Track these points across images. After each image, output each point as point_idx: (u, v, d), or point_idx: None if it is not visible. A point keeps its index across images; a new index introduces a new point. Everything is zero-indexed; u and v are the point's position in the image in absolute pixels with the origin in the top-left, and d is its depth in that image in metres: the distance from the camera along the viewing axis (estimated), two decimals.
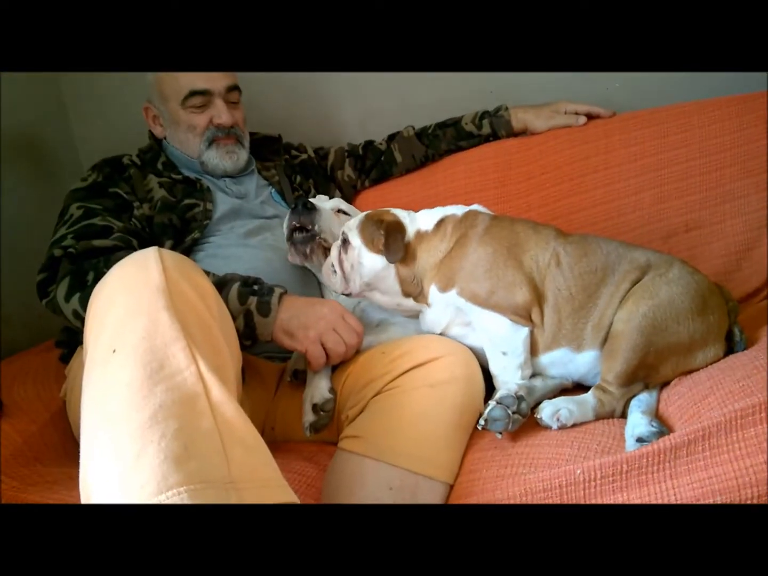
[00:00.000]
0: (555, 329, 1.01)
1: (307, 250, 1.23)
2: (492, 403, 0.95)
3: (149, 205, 1.28)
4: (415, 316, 1.17)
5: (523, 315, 1.01)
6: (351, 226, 1.15)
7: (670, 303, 0.94)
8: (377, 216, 1.13)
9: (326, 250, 1.22)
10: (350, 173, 1.59)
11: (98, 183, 1.28)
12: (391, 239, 1.07)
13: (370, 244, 1.10)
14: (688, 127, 1.43)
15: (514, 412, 0.93)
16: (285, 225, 1.26)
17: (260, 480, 0.67)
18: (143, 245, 1.21)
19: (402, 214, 1.14)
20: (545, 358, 1.03)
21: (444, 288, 1.05)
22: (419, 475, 0.88)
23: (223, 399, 0.69)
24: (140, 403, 0.65)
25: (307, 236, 1.23)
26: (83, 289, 1.08)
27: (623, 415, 0.95)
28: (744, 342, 0.98)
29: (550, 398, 0.99)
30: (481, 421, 0.94)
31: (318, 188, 1.55)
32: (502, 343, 1.01)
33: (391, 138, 1.60)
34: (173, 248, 1.24)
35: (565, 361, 1.03)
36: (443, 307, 1.07)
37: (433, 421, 0.92)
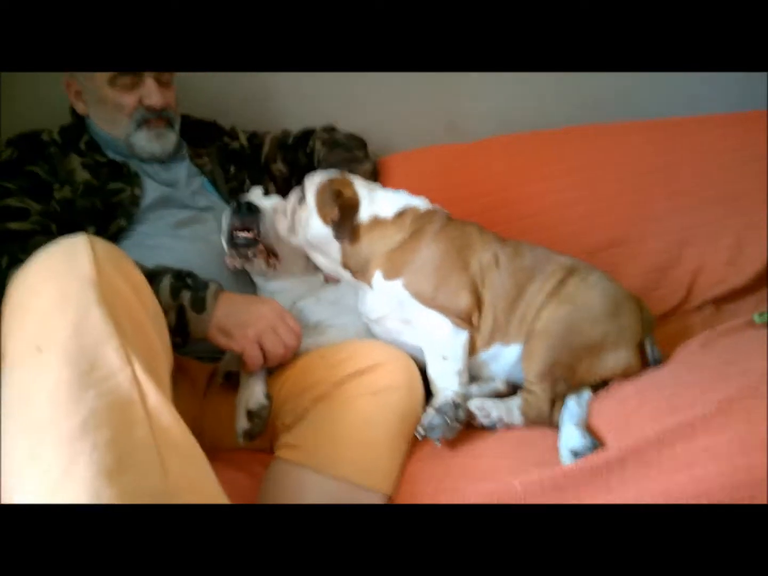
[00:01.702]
0: (491, 326, 1.03)
1: (249, 255, 1.17)
2: (430, 410, 0.95)
3: (71, 188, 1.18)
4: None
5: (464, 318, 1.02)
6: (311, 184, 1.13)
7: (586, 306, 1.00)
8: (338, 185, 1.11)
9: (269, 254, 1.18)
10: (282, 168, 1.53)
11: (13, 160, 1.17)
12: (342, 220, 1.07)
13: (321, 211, 1.10)
14: (619, 146, 1.49)
15: (452, 420, 0.94)
16: (224, 225, 1.20)
17: (199, 493, 0.63)
18: (63, 231, 1.12)
19: (363, 191, 1.12)
20: (483, 356, 1.05)
21: (390, 276, 1.05)
22: (360, 487, 0.86)
23: (160, 405, 0.64)
24: (69, 409, 0.60)
25: (249, 240, 1.17)
26: None
27: (551, 423, 0.98)
28: (658, 355, 1.03)
29: None
30: (420, 430, 0.94)
31: (252, 180, 1.48)
32: (443, 346, 1.02)
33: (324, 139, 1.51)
34: (97, 235, 1.15)
35: (498, 356, 1.05)
36: (385, 296, 1.06)
37: (375, 429, 0.91)
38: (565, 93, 1.67)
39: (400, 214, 1.10)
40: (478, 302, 1.02)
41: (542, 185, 1.47)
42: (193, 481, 0.64)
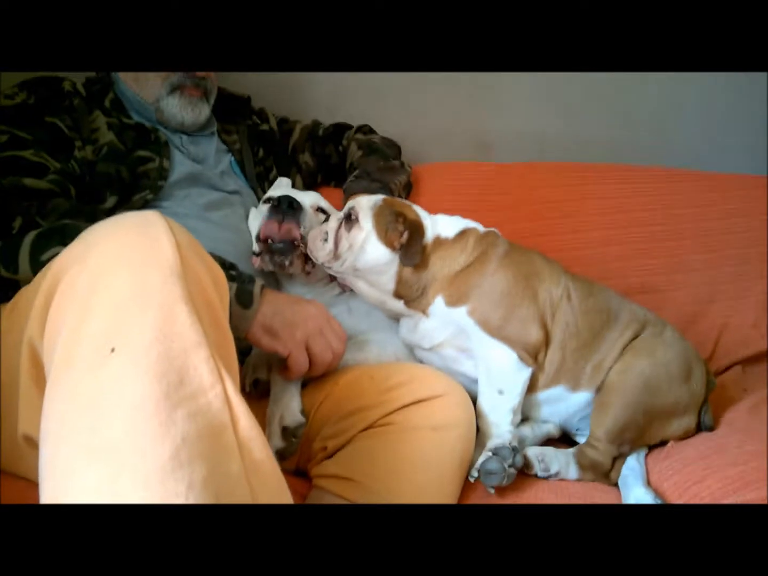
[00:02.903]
0: (558, 366, 0.96)
1: (286, 262, 1.06)
2: (487, 453, 0.87)
3: (93, 147, 1.03)
4: (395, 318, 1.06)
5: (531, 354, 0.94)
6: (364, 206, 1.01)
7: (665, 365, 0.95)
8: (398, 207, 1.01)
9: (306, 260, 1.07)
10: (309, 160, 1.41)
11: (29, 106, 1.02)
12: (413, 242, 0.96)
13: (382, 234, 0.98)
14: (656, 192, 1.47)
15: (509, 466, 0.86)
16: (259, 222, 1.08)
17: None
18: (81, 197, 0.98)
19: (422, 213, 1.03)
20: (542, 395, 0.98)
21: (453, 302, 0.96)
22: None
23: (251, 432, 0.53)
24: (157, 435, 0.48)
25: (288, 246, 1.05)
26: (6, 236, 0.84)
27: (609, 480, 0.92)
28: (710, 422, 1.00)
29: None
30: (474, 473, 0.87)
31: (279, 168, 1.37)
32: (502, 380, 0.94)
33: (360, 142, 1.39)
34: (117, 206, 1.01)
35: (559, 399, 0.98)
36: (444, 323, 0.98)
37: (434, 469, 0.82)
38: (601, 127, 1.65)
39: (461, 235, 1.02)
40: (546, 337, 0.95)
41: (581, 219, 1.43)
42: None
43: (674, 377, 0.94)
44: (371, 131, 1.44)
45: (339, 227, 1.01)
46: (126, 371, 0.50)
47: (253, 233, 1.13)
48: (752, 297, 1.40)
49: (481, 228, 1.05)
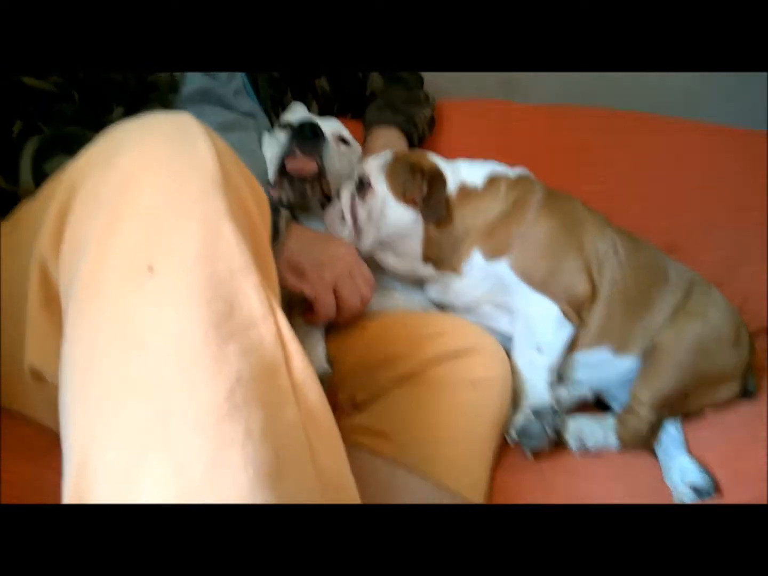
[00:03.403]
0: (603, 325, 0.90)
1: (307, 190, 0.95)
2: (527, 412, 0.81)
3: None
4: (417, 283, 0.99)
5: (575, 309, 0.88)
6: (374, 168, 0.91)
7: (718, 327, 0.90)
8: (412, 160, 0.91)
9: (324, 193, 0.97)
10: (325, 85, 1.29)
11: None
12: (435, 193, 0.87)
13: (399, 193, 0.89)
14: (688, 146, 1.40)
15: (551, 429, 0.81)
16: (276, 150, 0.98)
17: (344, 491, 0.47)
18: (84, 105, 0.87)
19: (439, 161, 0.93)
20: (581, 357, 0.91)
21: (492, 254, 0.88)
22: (456, 495, 0.71)
23: (306, 373, 0.46)
24: (209, 370, 0.40)
25: (310, 173, 0.94)
26: (3, 141, 0.73)
27: (647, 448, 0.88)
28: (754, 387, 0.96)
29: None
30: (513, 434, 0.81)
31: (294, 92, 1.25)
32: (542, 336, 0.87)
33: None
34: (123, 118, 0.90)
35: (603, 363, 0.92)
36: (481, 278, 0.90)
37: (472, 427, 0.76)
38: (631, 76, 1.55)
39: (491, 182, 0.93)
40: (593, 292, 0.89)
41: (608, 170, 1.35)
42: (341, 476, 0.47)
43: (725, 340, 0.89)
44: None
45: (353, 200, 0.91)
46: (169, 293, 0.42)
47: (269, 161, 1.02)
48: None
49: (510, 171, 0.97)
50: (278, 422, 0.42)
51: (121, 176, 0.47)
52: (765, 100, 1.56)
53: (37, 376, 0.58)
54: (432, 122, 1.28)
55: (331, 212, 0.93)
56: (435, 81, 1.40)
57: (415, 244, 0.90)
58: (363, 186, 0.90)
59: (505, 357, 0.84)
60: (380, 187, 0.89)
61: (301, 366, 0.46)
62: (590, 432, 0.84)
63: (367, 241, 0.90)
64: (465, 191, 0.91)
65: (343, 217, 0.91)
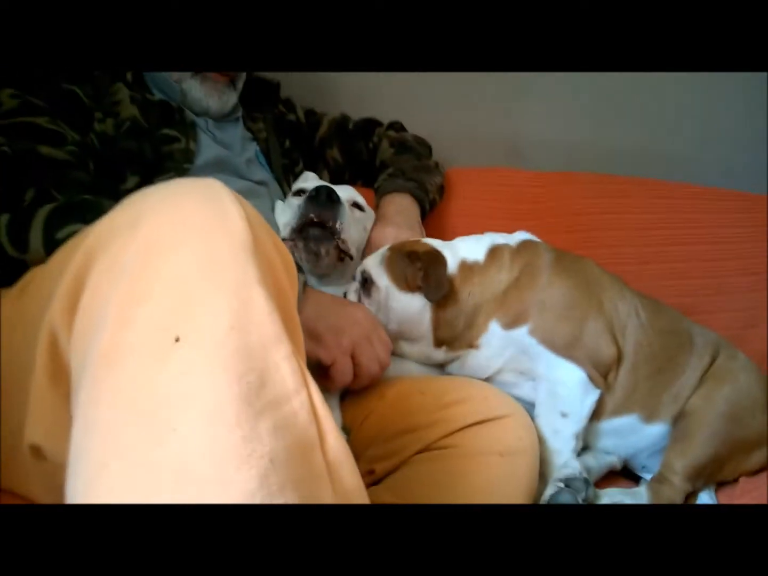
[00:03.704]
0: (629, 391, 0.87)
1: (322, 251, 0.96)
2: (557, 484, 0.77)
3: (114, 122, 0.92)
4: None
5: (601, 372, 0.85)
6: (373, 264, 0.92)
7: (748, 391, 0.87)
8: (407, 248, 0.91)
9: (340, 254, 0.97)
10: (337, 156, 1.31)
11: (46, 71, 0.90)
12: (432, 272, 0.86)
13: (402, 282, 0.88)
14: (698, 210, 1.40)
15: (583, 500, 0.76)
16: (289, 216, 0.98)
17: None
18: (99, 174, 0.87)
19: (435, 243, 0.93)
20: (608, 425, 0.88)
21: (511, 324, 0.86)
22: None
23: (342, 453, 0.43)
24: (241, 452, 0.37)
25: (325, 234, 0.95)
26: (15, 208, 0.72)
27: None
28: None
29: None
30: None
31: (306, 162, 1.27)
32: (567, 402, 0.84)
33: (392, 139, 1.30)
34: (138, 188, 0.90)
35: (631, 431, 0.89)
36: (500, 348, 0.88)
37: (502, 501, 0.71)
38: (631, 139, 1.59)
39: (492, 254, 0.92)
40: (618, 354, 0.86)
41: (617, 234, 1.35)
42: None
43: (757, 404, 0.86)
44: (402, 128, 1.35)
45: (359, 299, 0.92)
46: (197, 367, 0.39)
47: (282, 227, 1.02)
48: None
49: (510, 239, 0.96)
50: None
51: (147, 241, 0.44)
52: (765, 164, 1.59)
53: (37, 454, 0.55)
54: (442, 189, 1.29)
55: None
56: (443, 149, 1.42)
57: (425, 330, 0.89)
58: (366, 283, 0.90)
59: (532, 425, 0.80)
60: (382, 280, 0.89)
61: (337, 445, 0.43)
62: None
63: None
64: (467, 267, 0.90)
65: None
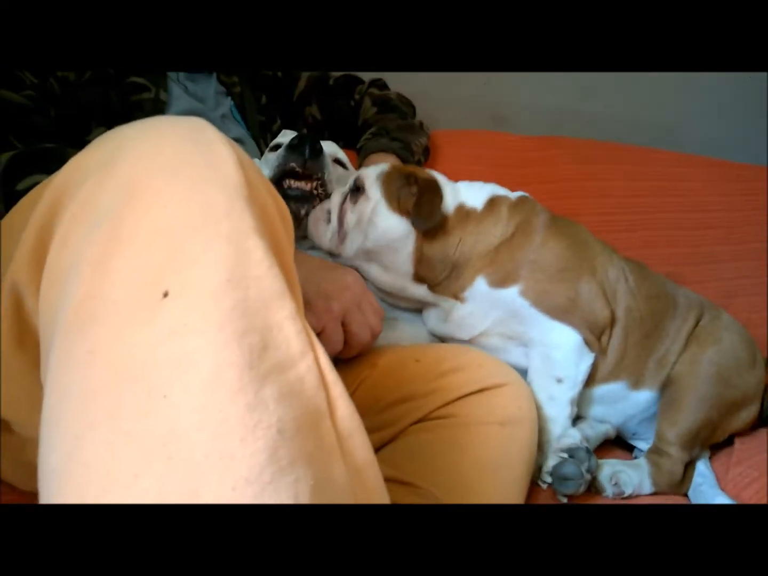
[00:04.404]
0: (619, 357, 0.84)
1: (303, 211, 0.89)
2: (560, 454, 0.74)
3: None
4: (417, 309, 0.92)
5: (596, 335, 0.82)
6: (370, 174, 0.86)
7: (732, 350, 0.85)
8: (408, 170, 0.86)
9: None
10: (316, 113, 1.24)
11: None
12: (426, 200, 0.81)
13: (394, 201, 0.83)
14: (684, 178, 1.39)
15: (586, 471, 0.73)
16: (274, 164, 0.91)
17: None
18: (62, 126, 0.79)
19: (439, 176, 0.89)
20: (599, 391, 0.85)
21: (499, 283, 0.82)
22: None
23: (353, 423, 0.38)
24: (246, 422, 0.32)
25: (306, 193, 0.88)
26: None
27: (681, 490, 0.81)
28: None
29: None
30: (547, 477, 0.74)
31: (283, 119, 1.19)
32: (562, 366, 0.81)
33: (375, 97, 1.23)
34: None
35: (618, 398, 0.86)
36: (487, 307, 0.83)
37: (502, 471, 0.68)
38: (618, 105, 1.56)
39: (491, 204, 0.88)
40: (612, 316, 0.83)
41: (608, 201, 1.33)
42: None
43: (742, 363, 0.84)
44: (385, 86, 1.28)
45: (343, 202, 0.86)
46: (190, 324, 0.33)
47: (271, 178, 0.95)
48: None
49: (510, 193, 0.92)
50: (327, 486, 0.34)
51: (125, 184, 0.38)
52: (764, 135, 1.58)
53: (5, 427, 0.49)
54: (427, 150, 1.24)
55: (317, 213, 0.87)
56: (427, 113, 1.36)
57: (404, 260, 0.84)
58: (357, 191, 0.85)
59: (531, 393, 0.77)
60: (374, 192, 0.84)
61: (348, 414, 0.38)
62: (627, 477, 0.77)
63: (351, 248, 0.84)
64: (464, 211, 0.85)
65: (328, 219, 0.85)
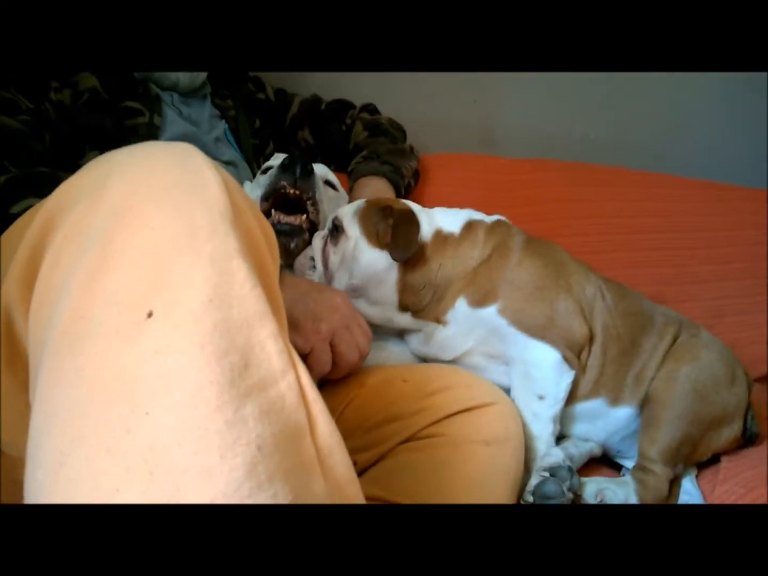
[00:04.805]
0: (598, 374, 0.86)
1: (292, 245, 0.90)
2: (542, 473, 0.75)
3: (72, 92, 0.86)
4: (399, 334, 0.93)
5: (575, 353, 0.83)
6: (347, 213, 0.88)
7: (710, 368, 0.87)
8: (383, 203, 0.88)
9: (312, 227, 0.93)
10: (308, 137, 1.26)
11: None
12: (402, 231, 0.83)
13: (373, 236, 0.85)
14: (669, 198, 1.41)
15: (568, 490, 0.74)
16: (268, 183, 0.93)
17: None
18: (57, 147, 0.81)
19: (414, 206, 0.91)
20: (579, 408, 0.87)
21: (479, 302, 0.84)
22: None
23: (333, 439, 0.39)
24: (225, 438, 0.33)
25: (294, 227, 0.90)
26: None
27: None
28: (757, 427, 0.92)
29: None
30: (528, 497, 0.74)
31: (276, 143, 1.21)
32: (543, 384, 0.82)
33: (366, 122, 1.26)
34: None
35: (598, 414, 0.88)
36: (468, 328, 0.85)
37: (488, 490, 0.69)
38: (606, 129, 1.59)
39: (468, 228, 0.90)
40: (590, 334, 0.85)
41: (593, 221, 1.35)
42: None
43: (720, 380, 0.85)
44: (376, 111, 1.31)
45: (325, 245, 0.88)
46: (172, 344, 0.35)
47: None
48: (761, 313, 1.35)
49: (486, 217, 0.94)
50: (305, 501, 0.35)
51: (115, 207, 0.39)
52: (745, 155, 1.61)
53: None
54: (417, 174, 1.26)
55: (301, 260, 0.89)
56: (418, 136, 1.39)
57: (389, 291, 0.86)
58: (336, 231, 0.87)
59: (518, 413, 0.78)
60: (353, 231, 0.86)
61: (328, 431, 0.39)
62: (612, 494, 0.78)
63: (339, 287, 0.86)
64: (441, 237, 0.87)
65: (312, 266, 0.88)
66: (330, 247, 0.87)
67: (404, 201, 0.93)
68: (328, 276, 0.87)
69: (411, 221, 0.85)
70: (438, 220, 0.90)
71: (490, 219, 0.94)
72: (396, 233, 0.83)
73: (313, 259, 0.89)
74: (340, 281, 0.86)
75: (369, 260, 0.85)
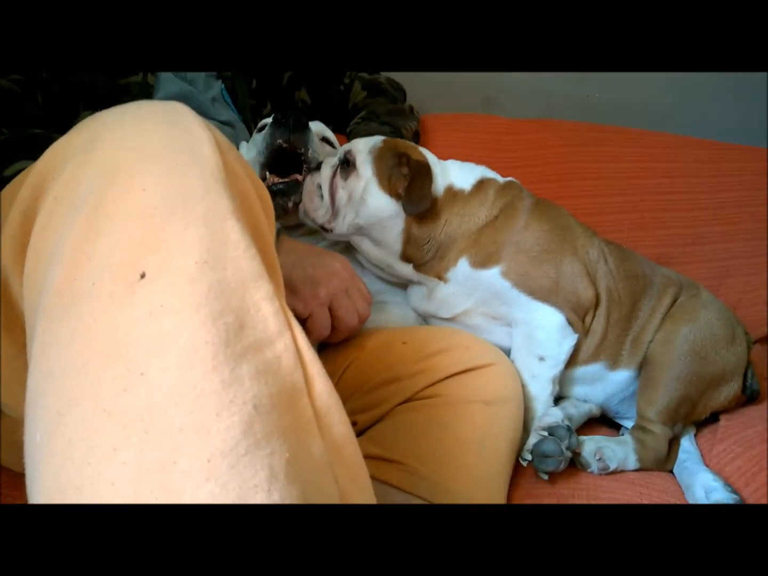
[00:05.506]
0: (599, 338, 0.85)
1: (290, 203, 0.89)
2: (540, 432, 0.76)
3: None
4: (402, 285, 0.93)
5: (580, 316, 0.83)
6: (362, 149, 0.86)
7: (708, 327, 0.86)
8: (402, 148, 0.86)
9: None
10: (306, 98, 1.24)
11: None
12: (417, 185, 0.82)
13: (384, 181, 0.84)
14: (674, 159, 1.38)
15: (566, 448, 0.75)
16: (262, 141, 0.92)
17: None
18: (50, 107, 0.80)
19: (430, 157, 0.89)
20: (579, 372, 0.87)
21: (481, 263, 0.83)
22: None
23: (331, 400, 0.39)
24: (222, 397, 0.33)
25: (290, 184, 0.89)
26: None
27: (666, 467, 0.83)
28: (758, 386, 0.92)
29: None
30: (527, 455, 0.75)
31: (273, 103, 1.19)
32: (545, 345, 0.82)
33: (365, 81, 1.23)
34: None
35: (597, 378, 0.88)
36: (469, 288, 0.85)
37: (488, 449, 0.70)
38: (608, 88, 1.55)
39: (479, 186, 0.89)
40: (596, 297, 0.85)
41: (598, 183, 1.33)
42: None
43: (720, 340, 0.85)
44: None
45: (333, 176, 0.86)
46: (166, 305, 0.34)
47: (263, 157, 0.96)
48: (764, 274, 1.34)
49: (499, 177, 0.93)
50: (303, 460, 0.35)
51: (104, 168, 0.39)
52: (756, 115, 1.58)
53: None
54: (417, 135, 1.24)
55: (308, 186, 0.87)
56: (417, 97, 1.36)
57: (393, 238, 0.85)
58: (347, 165, 0.85)
59: (517, 373, 0.78)
60: (365, 170, 0.84)
61: (325, 391, 0.39)
62: (611, 452, 0.79)
63: (344, 224, 0.86)
64: (452, 193, 0.86)
65: (320, 194, 0.86)
66: (339, 180, 0.86)
67: (421, 149, 0.91)
68: (334, 209, 0.86)
69: (427, 175, 0.84)
70: (451, 174, 0.89)
71: (502, 180, 0.92)
72: (411, 186, 0.82)
73: (320, 187, 0.87)
74: (345, 218, 0.85)
75: (377, 205, 0.84)
